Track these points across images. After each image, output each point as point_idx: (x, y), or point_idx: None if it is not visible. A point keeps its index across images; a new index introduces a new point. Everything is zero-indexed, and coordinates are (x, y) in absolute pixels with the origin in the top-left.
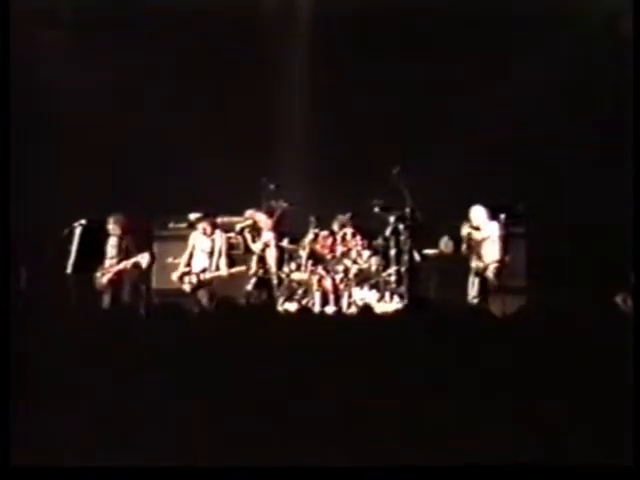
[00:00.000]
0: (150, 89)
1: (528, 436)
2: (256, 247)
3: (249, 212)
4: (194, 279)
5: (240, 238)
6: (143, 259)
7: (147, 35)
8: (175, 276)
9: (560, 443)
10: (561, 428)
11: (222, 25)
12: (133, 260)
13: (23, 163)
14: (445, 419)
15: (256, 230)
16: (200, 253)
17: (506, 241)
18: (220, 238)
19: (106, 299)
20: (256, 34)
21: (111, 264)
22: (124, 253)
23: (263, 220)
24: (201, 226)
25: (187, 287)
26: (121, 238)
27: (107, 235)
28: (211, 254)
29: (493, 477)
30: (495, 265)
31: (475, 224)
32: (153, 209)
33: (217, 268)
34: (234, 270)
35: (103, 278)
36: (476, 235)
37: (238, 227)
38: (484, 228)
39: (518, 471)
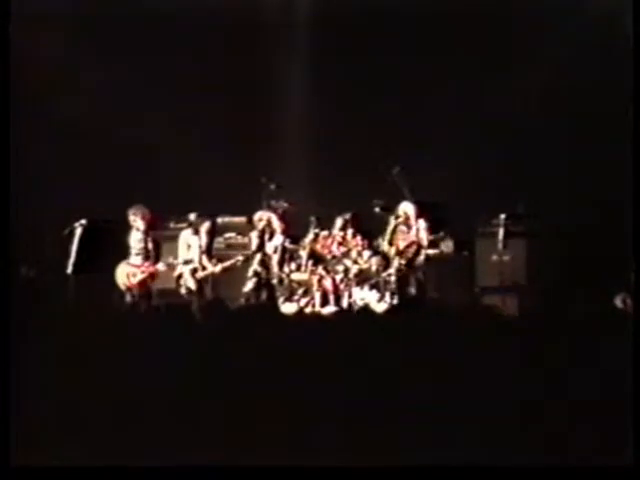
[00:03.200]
0: (150, 89)
1: (528, 436)
2: (269, 248)
3: (260, 213)
4: (188, 278)
5: (240, 238)
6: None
7: (147, 35)
8: (174, 275)
9: (560, 443)
10: (561, 428)
11: (223, 24)
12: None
13: (23, 163)
14: (445, 419)
15: (270, 230)
16: (188, 251)
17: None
18: (204, 235)
19: (131, 299)
20: (257, 34)
21: (143, 264)
22: (149, 251)
23: (276, 222)
24: (193, 224)
25: (183, 288)
26: (146, 233)
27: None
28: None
29: (493, 477)
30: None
31: (403, 221)
32: (153, 208)
33: (203, 266)
34: (227, 264)
35: (135, 277)
36: (404, 231)
37: (261, 225)
38: (413, 225)
39: (518, 471)
